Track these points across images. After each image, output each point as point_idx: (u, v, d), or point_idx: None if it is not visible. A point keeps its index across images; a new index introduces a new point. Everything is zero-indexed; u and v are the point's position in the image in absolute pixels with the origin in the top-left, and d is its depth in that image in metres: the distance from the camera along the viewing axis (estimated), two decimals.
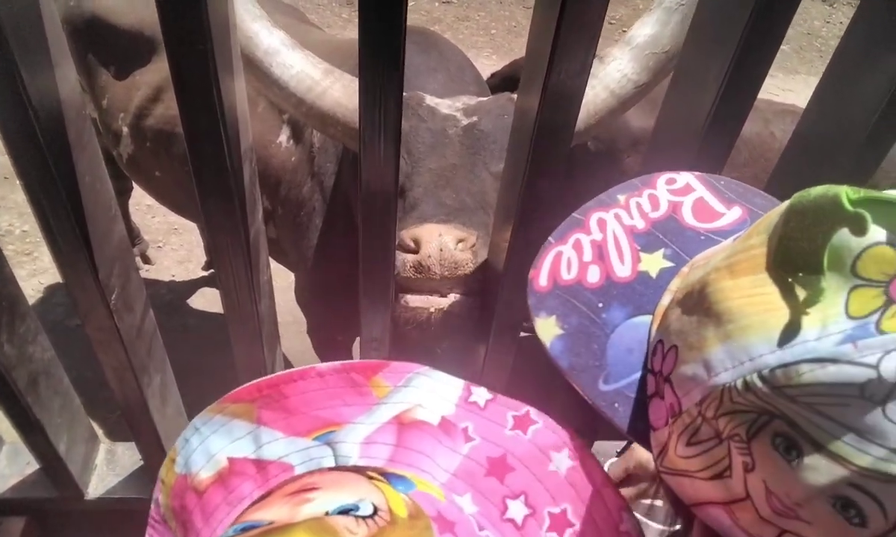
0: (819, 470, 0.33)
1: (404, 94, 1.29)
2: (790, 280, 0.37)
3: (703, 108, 0.79)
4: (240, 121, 0.78)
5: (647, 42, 1.14)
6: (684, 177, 0.60)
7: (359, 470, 0.51)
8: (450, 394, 0.58)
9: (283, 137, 1.85)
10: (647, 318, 0.52)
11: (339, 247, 1.77)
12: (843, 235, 0.34)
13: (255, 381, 0.58)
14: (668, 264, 0.54)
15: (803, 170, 0.90)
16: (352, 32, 5.69)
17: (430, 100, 1.29)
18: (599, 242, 0.57)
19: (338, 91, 1.22)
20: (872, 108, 0.73)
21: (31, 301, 2.67)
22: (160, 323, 1.14)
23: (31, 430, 1.12)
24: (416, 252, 1.06)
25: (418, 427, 0.56)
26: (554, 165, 0.80)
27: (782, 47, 1.05)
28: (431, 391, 0.58)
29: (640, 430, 0.48)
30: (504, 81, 2.34)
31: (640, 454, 0.75)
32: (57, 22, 0.73)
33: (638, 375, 0.50)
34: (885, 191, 0.35)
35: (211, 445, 0.56)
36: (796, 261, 0.37)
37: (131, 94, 2.06)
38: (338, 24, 6.05)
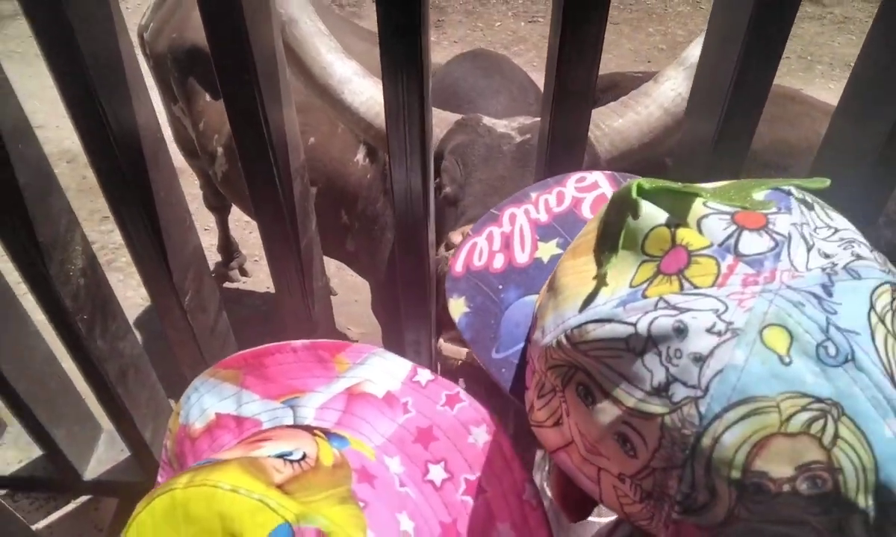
0: (605, 412, 0.39)
1: (465, 115, 1.37)
2: (601, 257, 0.43)
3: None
4: (289, 142, 0.87)
5: None
6: (594, 176, 0.66)
7: (307, 428, 0.59)
8: (398, 372, 0.67)
9: (360, 156, 1.96)
10: (534, 297, 0.58)
11: None
12: (635, 219, 0.41)
13: (242, 352, 0.69)
14: (559, 251, 0.61)
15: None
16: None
17: (488, 120, 1.35)
18: (507, 234, 0.64)
19: None
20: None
21: (139, 309, 2.94)
22: (254, 332, 1.26)
23: (122, 419, 1.26)
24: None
25: (364, 398, 0.65)
26: None
27: None
28: (382, 369, 0.67)
29: (518, 391, 0.55)
30: None
31: None
32: (134, 56, 0.85)
33: (521, 345, 0.57)
34: (677, 183, 0.41)
35: (204, 402, 0.68)
36: (607, 241, 0.43)
37: (225, 117, 2.24)
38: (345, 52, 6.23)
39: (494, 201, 1.24)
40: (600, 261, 0.43)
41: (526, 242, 0.62)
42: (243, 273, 3.52)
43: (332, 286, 3.72)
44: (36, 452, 1.43)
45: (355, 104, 1.29)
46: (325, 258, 3.81)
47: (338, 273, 3.85)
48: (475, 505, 0.58)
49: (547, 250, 0.61)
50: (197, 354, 1.11)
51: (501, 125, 1.33)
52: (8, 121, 0.86)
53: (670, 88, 1.19)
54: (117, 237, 3.48)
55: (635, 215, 0.40)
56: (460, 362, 1.11)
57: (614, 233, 0.42)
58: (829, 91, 4.86)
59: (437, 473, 0.59)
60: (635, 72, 2.47)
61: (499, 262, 0.62)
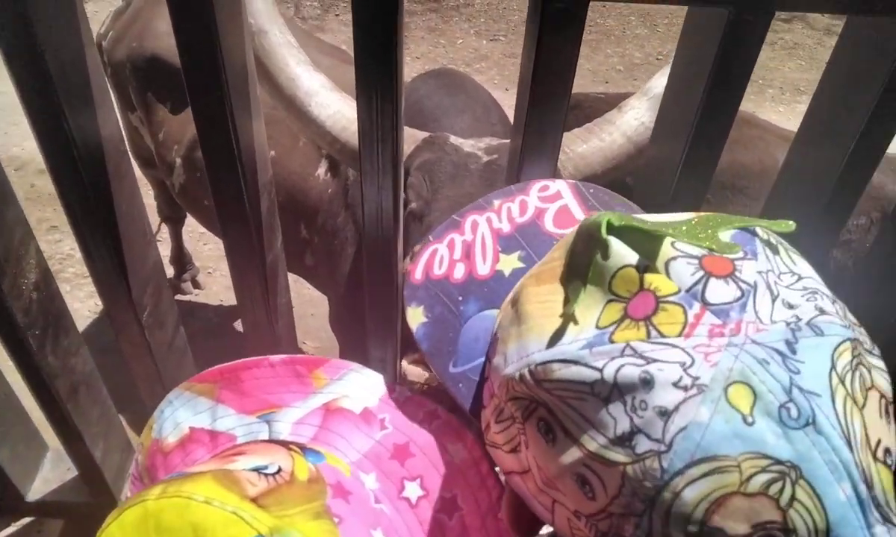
0: (566, 452, 0.39)
1: (432, 133, 1.37)
2: (568, 291, 0.43)
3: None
4: (257, 157, 0.85)
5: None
6: (557, 185, 0.67)
7: (283, 443, 0.58)
8: (376, 389, 0.67)
9: (321, 170, 1.94)
10: (494, 312, 0.58)
11: None
12: (604, 259, 0.41)
13: (218, 366, 0.68)
14: (521, 265, 0.60)
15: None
16: None
17: (455, 139, 1.36)
18: (469, 242, 0.64)
19: None
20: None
21: (86, 320, 2.84)
22: (206, 346, 1.23)
23: (71, 437, 1.21)
24: None
25: (341, 413, 0.65)
26: None
27: None
28: (359, 385, 0.67)
29: (475, 409, 0.54)
30: None
31: None
32: (100, 68, 0.83)
33: (481, 361, 0.56)
34: (645, 219, 0.41)
35: (178, 415, 0.67)
36: (574, 274, 0.43)
37: (185, 128, 2.20)
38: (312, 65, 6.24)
39: None
40: (567, 296, 0.43)
41: (487, 253, 0.62)
42: (196, 285, 3.42)
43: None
44: None
45: (321, 117, 1.29)
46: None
47: (293, 286, 3.77)
48: (451, 523, 0.58)
49: (508, 263, 0.61)
50: (153, 370, 1.08)
51: (468, 144, 1.34)
52: None
53: (633, 117, 1.22)
54: (65, 247, 3.38)
55: (604, 255, 0.40)
56: (425, 386, 1.11)
57: (582, 267, 0.42)
58: (779, 114, 5.06)
59: (412, 490, 0.59)
60: (597, 93, 2.52)
61: (459, 272, 0.61)
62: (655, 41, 6.41)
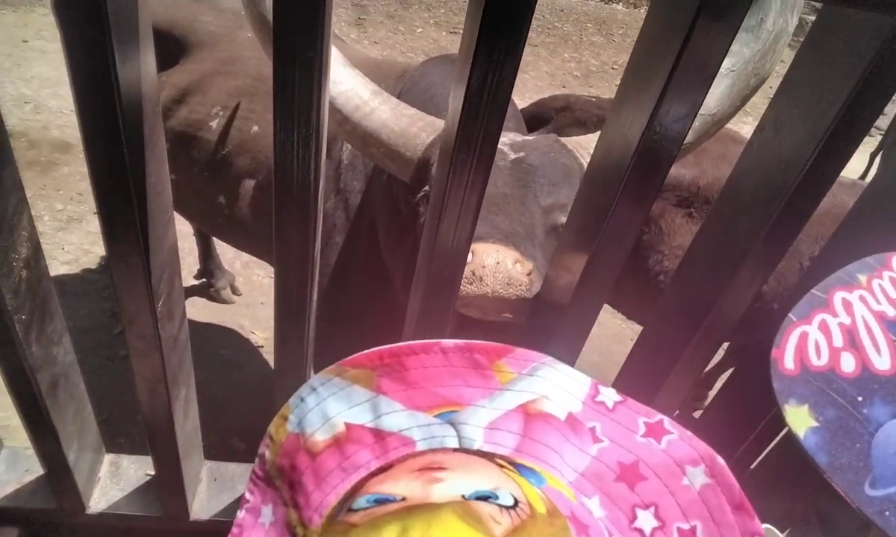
0: None
1: None
2: None
3: (803, 155, 0.78)
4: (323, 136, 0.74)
5: None
6: None
7: (486, 455, 0.50)
8: (576, 390, 0.56)
9: None
10: None
11: (357, 272, 1.74)
12: None
13: (375, 349, 0.57)
14: None
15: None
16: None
17: None
18: (849, 327, 0.55)
19: (385, 113, 1.21)
20: None
21: None
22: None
23: (44, 435, 1.05)
24: (470, 262, 1.01)
25: (545, 419, 0.54)
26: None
27: None
28: (557, 384, 0.56)
29: None
30: (530, 119, 2.35)
31: None
32: (149, 16, 0.70)
33: None
34: None
35: (328, 408, 0.56)
36: None
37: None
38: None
39: (502, 219, 1.17)
40: None
41: (880, 343, 0.54)
42: (234, 291, 3.43)
43: (236, 285, 3.51)
44: None
45: (332, 93, 1.17)
46: (232, 253, 3.60)
47: (243, 272, 3.61)
48: None
49: None
50: (158, 367, 0.94)
51: None
52: None
53: None
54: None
55: None
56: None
57: None
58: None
59: (646, 520, 0.50)
60: (589, 97, 2.49)
61: (849, 365, 0.53)
62: (611, 50, 6.50)
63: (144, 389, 0.98)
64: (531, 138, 1.33)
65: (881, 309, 0.56)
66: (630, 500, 0.51)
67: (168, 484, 1.18)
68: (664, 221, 2.20)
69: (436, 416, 0.55)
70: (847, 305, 0.56)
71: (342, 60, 1.20)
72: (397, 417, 0.55)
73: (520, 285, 1.00)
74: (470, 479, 0.44)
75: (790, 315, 0.58)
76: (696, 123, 1.15)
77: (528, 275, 1.02)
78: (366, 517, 0.42)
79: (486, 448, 0.53)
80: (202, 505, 1.28)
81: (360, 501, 0.45)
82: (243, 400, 2.79)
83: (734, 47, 1.13)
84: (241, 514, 0.58)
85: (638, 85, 0.68)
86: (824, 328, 0.56)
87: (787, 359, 0.54)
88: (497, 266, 1.00)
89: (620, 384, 1.16)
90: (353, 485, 0.51)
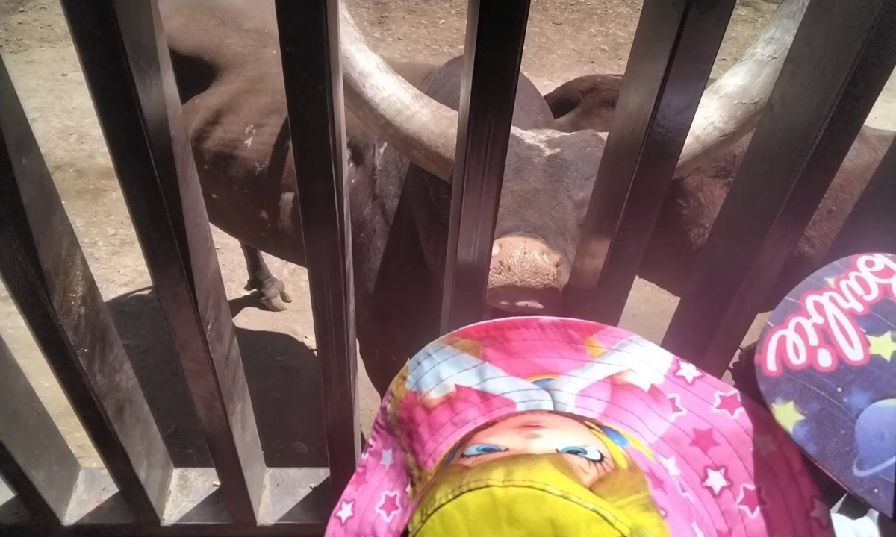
0: None
1: None
2: None
3: (811, 130, 0.77)
4: (342, 155, 0.78)
5: (736, 92, 1.14)
6: (880, 260, 0.63)
7: (577, 417, 0.56)
8: (660, 365, 0.62)
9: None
10: (892, 402, 0.54)
11: (400, 273, 1.77)
12: None
13: (482, 323, 0.65)
14: None
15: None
16: (383, 51, 5.75)
17: (515, 130, 1.29)
18: (822, 326, 0.59)
19: (426, 116, 1.23)
20: None
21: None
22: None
23: (116, 457, 1.13)
24: (497, 254, 1.03)
25: (630, 389, 0.61)
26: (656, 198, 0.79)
27: None
28: (642, 359, 0.62)
29: None
30: (558, 104, 2.34)
31: None
32: (169, 62, 0.74)
33: (894, 460, 0.52)
34: None
35: (441, 371, 0.64)
36: None
37: (190, 118, 2.09)
38: (369, 42, 6.11)
39: (532, 213, 1.19)
40: None
41: (851, 337, 0.58)
42: (285, 298, 3.53)
43: (285, 292, 3.60)
44: (5, 496, 1.28)
45: (376, 99, 1.21)
46: (279, 262, 3.69)
47: (291, 279, 3.70)
48: (753, 517, 0.54)
49: (884, 346, 0.57)
50: (213, 387, 1.00)
51: (529, 136, 1.28)
52: (11, 131, 0.73)
53: (703, 116, 1.16)
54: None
55: None
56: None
57: None
58: None
59: (716, 480, 0.56)
60: (615, 75, 2.46)
61: (826, 361, 0.57)
62: (638, 20, 6.35)
63: (202, 407, 1.04)
64: (568, 135, 1.33)
65: (850, 306, 0.59)
66: (703, 462, 0.57)
67: (233, 493, 1.25)
68: (703, 194, 2.17)
69: (533, 383, 0.62)
70: (819, 307, 0.60)
71: (384, 67, 1.23)
72: (500, 382, 0.62)
73: (547, 274, 1.02)
74: (563, 436, 0.50)
75: (767, 321, 0.61)
76: (739, 112, 1.15)
77: (557, 265, 1.03)
78: (477, 462, 0.48)
79: (577, 412, 0.60)
80: (267, 510, 1.34)
81: (471, 449, 0.51)
82: (302, 403, 2.88)
83: (776, 34, 1.12)
84: (364, 457, 0.68)
85: (640, 74, 0.69)
86: (800, 330, 0.59)
87: (769, 362, 0.58)
88: (524, 256, 1.02)
89: None
90: (462, 437, 0.58)
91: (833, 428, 0.54)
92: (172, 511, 1.31)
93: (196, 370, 0.96)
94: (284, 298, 3.56)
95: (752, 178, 0.79)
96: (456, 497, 0.44)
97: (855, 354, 0.57)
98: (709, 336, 1.01)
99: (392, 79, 1.19)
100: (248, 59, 2.10)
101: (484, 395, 0.62)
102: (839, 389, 0.56)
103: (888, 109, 5.10)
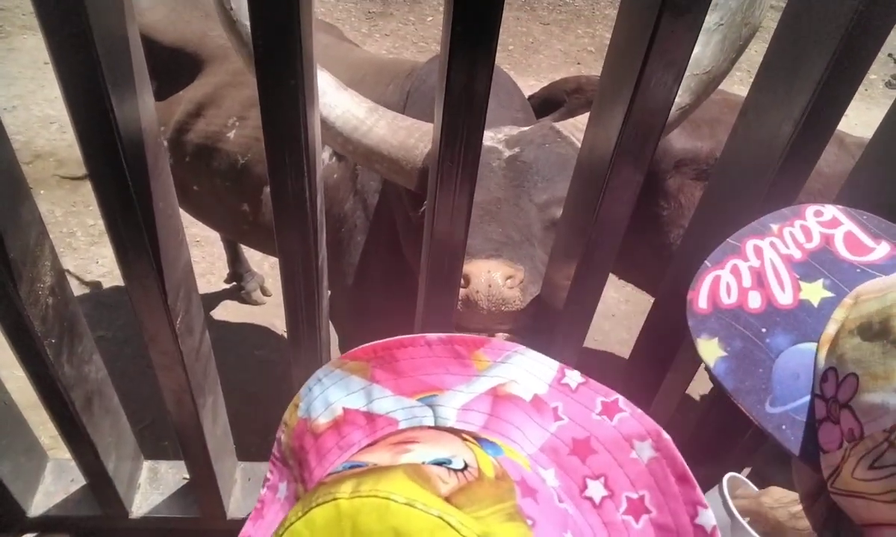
0: None
1: None
2: None
3: (782, 138, 0.78)
4: (315, 153, 0.78)
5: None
6: (830, 210, 0.63)
7: (454, 431, 0.55)
8: (544, 373, 0.62)
9: (326, 155, 1.85)
10: (812, 345, 0.55)
11: (380, 269, 1.77)
12: None
13: (370, 344, 0.65)
14: (829, 294, 0.57)
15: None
16: (370, 46, 5.73)
17: None
18: (758, 269, 0.60)
19: (382, 129, 1.23)
20: None
21: None
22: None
23: (83, 449, 1.12)
24: (464, 287, 1.06)
25: (512, 400, 0.60)
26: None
27: None
28: (526, 369, 0.62)
29: (809, 452, 0.51)
30: (542, 104, 2.34)
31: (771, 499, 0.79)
32: (141, 52, 0.73)
33: (805, 399, 0.53)
34: None
35: (330, 395, 0.64)
36: None
37: (172, 110, 2.07)
38: (357, 38, 6.08)
39: (495, 227, 1.19)
40: None
41: (784, 280, 0.58)
42: (265, 293, 3.48)
43: (265, 286, 3.58)
44: None
45: (331, 118, 1.21)
46: (260, 255, 3.66)
47: (271, 273, 3.68)
48: (638, 527, 0.53)
49: (814, 292, 0.57)
50: (183, 379, 0.99)
51: (487, 137, 1.26)
52: None
53: None
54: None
55: None
56: None
57: None
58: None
59: (595, 489, 0.55)
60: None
61: (755, 302, 0.58)
62: None
63: (171, 400, 1.04)
64: (526, 130, 1.32)
65: (789, 252, 0.60)
66: (581, 472, 0.55)
67: (204, 487, 1.24)
68: (683, 196, 2.18)
69: (418, 400, 0.62)
70: (758, 251, 0.61)
71: (335, 84, 1.22)
72: (386, 402, 0.62)
73: (514, 301, 1.05)
74: (433, 449, 0.49)
75: (706, 261, 0.62)
76: (692, 83, 1.15)
77: (520, 284, 1.06)
78: (331, 477, 0.47)
79: (458, 425, 0.59)
80: (238, 504, 1.34)
81: (338, 467, 0.50)
82: (280, 397, 2.85)
83: (720, 0, 1.13)
84: (263, 491, 0.67)
85: (615, 82, 0.69)
86: (735, 271, 0.60)
87: (700, 299, 0.59)
88: (490, 290, 1.04)
89: (635, 358, 1.19)
90: (345, 460, 0.57)
91: (752, 367, 0.55)
92: (141, 503, 1.30)
93: (165, 363, 0.96)
94: (264, 292, 3.53)
95: (725, 183, 0.79)
96: (305, 514, 0.43)
97: (784, 298, 0.57)
98: (681, 336, 1.02)
99: (345, 95, 1.19)
100: (231, 52, 2.08)
101: (370, 416, 0.62)
102: (763, 330, 0.57)
103: (868, 118, 5.16)
